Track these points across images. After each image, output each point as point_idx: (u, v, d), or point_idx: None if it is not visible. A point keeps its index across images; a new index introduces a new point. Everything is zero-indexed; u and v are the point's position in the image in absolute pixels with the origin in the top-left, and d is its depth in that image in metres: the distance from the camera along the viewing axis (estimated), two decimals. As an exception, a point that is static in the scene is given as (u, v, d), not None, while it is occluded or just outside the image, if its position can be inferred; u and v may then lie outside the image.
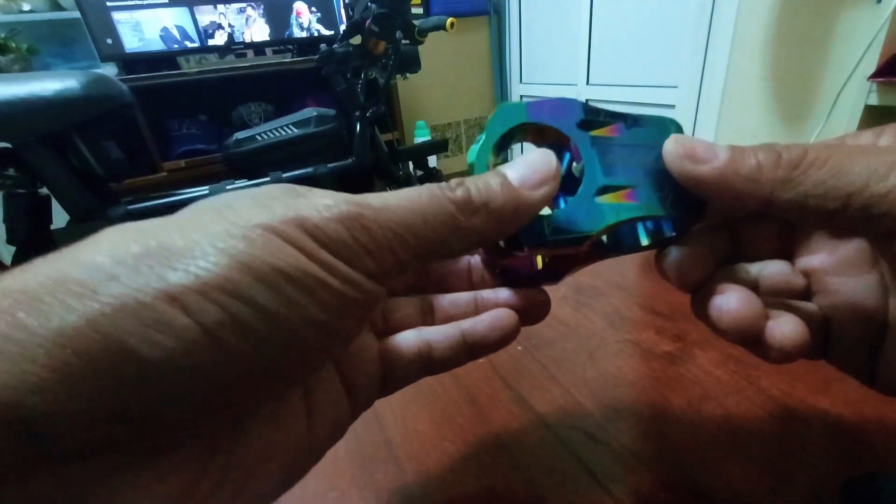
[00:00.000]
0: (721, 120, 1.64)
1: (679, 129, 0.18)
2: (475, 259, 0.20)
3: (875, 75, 0.93)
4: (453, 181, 0.15)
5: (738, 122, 1.59)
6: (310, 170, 1.06)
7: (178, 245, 0.11)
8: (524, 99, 2.80)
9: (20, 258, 0.91)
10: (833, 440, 0.23)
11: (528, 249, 0.18)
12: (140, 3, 1.59)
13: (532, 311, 0.19)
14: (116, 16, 1.57)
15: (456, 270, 0.20)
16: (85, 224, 0.93)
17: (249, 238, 0.11)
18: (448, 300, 0.19)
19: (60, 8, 1.76)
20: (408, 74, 1.22)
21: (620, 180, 0.18)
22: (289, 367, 0.12)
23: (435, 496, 0.23)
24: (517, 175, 0.15)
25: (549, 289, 0.19)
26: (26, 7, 1.71)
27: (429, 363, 0.18)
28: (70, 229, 0.95)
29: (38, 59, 1.75)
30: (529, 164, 0.16)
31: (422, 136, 2.49)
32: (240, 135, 1.09)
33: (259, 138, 1.08)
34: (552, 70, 2.50)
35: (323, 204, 0.13)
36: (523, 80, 2.77)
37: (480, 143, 0.19)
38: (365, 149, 1.09)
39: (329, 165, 1.07)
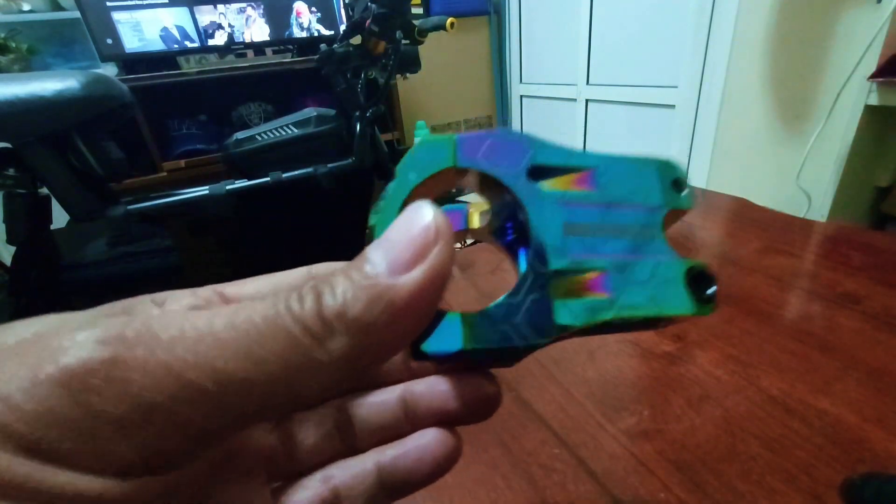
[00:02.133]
0: (721, 120, 1.64)
1: (674, 173, 0.14)
2: None
3: (875, 75, 0.93)
4: (306, 286, 0.10)
5: (738, 122, 1.59)
6: (310, 170, 1.06)
7: None
8: (524, 100, 2.80)
9: (20, 258, 0.91)
10: (833, 440, 0.23)
11: (435, 364, 0.13)
12: (140, 3, 1.59)
13: (478, 408, 0.14)
14: (116, 16, 1.57)
15: None
16: (85, 224, 0.93)
17: None
18: (370, 407, 0.14)
19: (60, 8, 1.76)
20: (408, 74, 1.22)
21: (585, 261, 0.12)
22: None
23: (435, 496, 0.23)
24: (381, 255, 0.10)
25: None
26: (26, 7, 1.71)
27: None
28: (70, 229, 0.95)
29: (38, 59, 1.75)
30: (396, 233, 0.10)
31: (422, 136, 2.49)
32: (240, 135, 1.09)
33: (259, 138, 1.08)
34: (552, 70, 2.50)
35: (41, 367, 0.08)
36: (523, 80, 2.77)
37: (386, 196, 0.12)
38: (365, 149, 1.09)
39: (329, 165, 1.07)
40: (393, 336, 0.10)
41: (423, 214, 0.11)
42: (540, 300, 0.12)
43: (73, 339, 0.09)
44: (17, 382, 0.08)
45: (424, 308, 0.10)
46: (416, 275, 0.10)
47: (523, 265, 0.13)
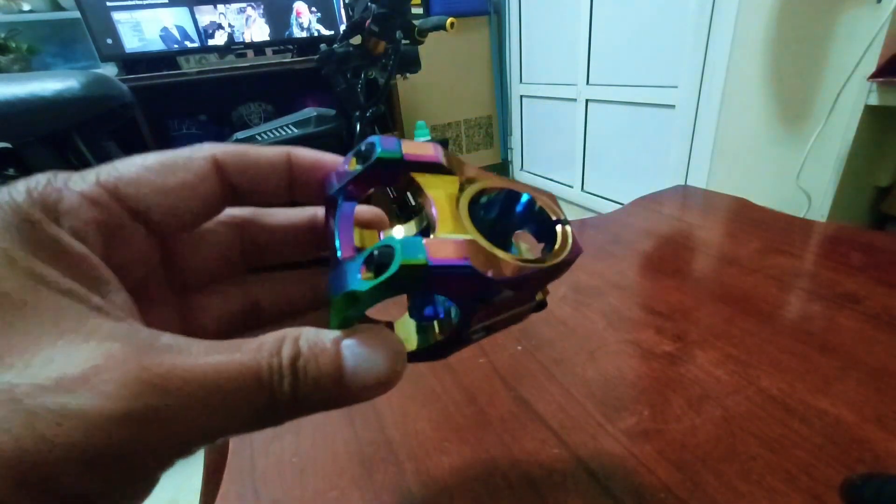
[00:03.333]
0: (721, 120, 1.64)
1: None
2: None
3: (875, 75, 0.93)
4: (282, 342, 0.11)
5: (738, 122, 1.59)
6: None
7: None
8: (524, 100, 2.80)
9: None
10: (833, 440, 0.23)
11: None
12: (140, 3, 1.59)
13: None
14: (116, 16, 1.57)
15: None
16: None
17: None
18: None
19: (60, 8, 1.76)
20: (408, 74, 1.22)
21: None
22: None
23: (435, 496, 0.23)
24: (351, 363, 0.12)
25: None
26: (26, 7, 1.71)
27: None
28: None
29: (38, 59, 1.75)
30: (370, 358, 0.12)
31: (422, 136, 2.49)
32: (240, 135, 1.09)
33: (259, 138, 1.08)
34: (552, 70, 2.50)
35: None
36: (523, 80, 2.77)
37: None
38: (365, 149, 1.09)
39: (329, 165, 1.07)
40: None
41: (398, 353, 0.13)
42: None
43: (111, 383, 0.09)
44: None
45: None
46: (368, 393, 0.12)
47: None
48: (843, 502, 0.20)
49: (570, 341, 0.33)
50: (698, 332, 0.33)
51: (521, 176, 3.06)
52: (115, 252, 0.13)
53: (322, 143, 1.10)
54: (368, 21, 0.98)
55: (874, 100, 0.95)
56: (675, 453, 0.23)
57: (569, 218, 0.17)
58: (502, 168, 3.08)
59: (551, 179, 2.76)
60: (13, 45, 1.64)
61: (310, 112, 1.11)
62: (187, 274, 0.16)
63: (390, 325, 0.16)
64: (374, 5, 0.97)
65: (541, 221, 0.17)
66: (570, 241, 0.16)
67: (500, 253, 0.14)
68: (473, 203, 0.16)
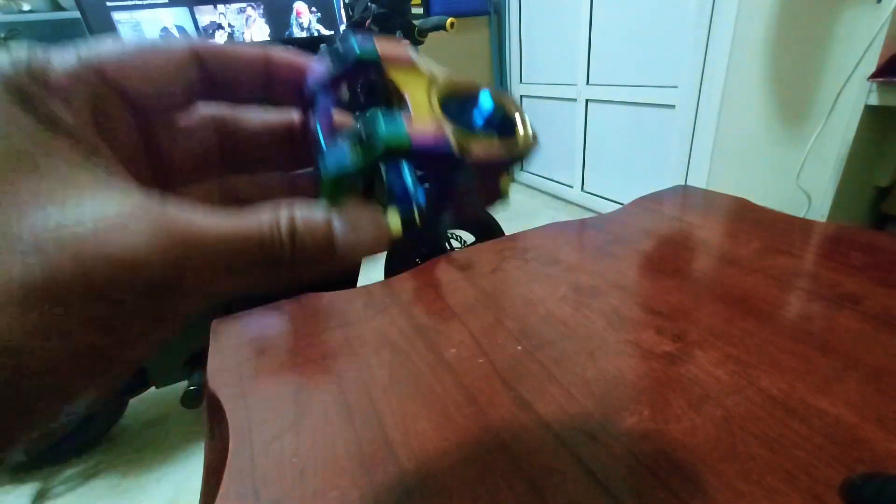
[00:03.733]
0: (721, 120, 1.64)
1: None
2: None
3: (875, 75, 0.93)
4: (278, 215, 0.13)
5: (738, 122, 1.59)
6: (310, 170, 1.06)
7: None
8: (524, 100, 2.80)
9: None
10: (833, 440, 0.23)
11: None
12: (140, 3, 1.59)
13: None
14: (116, 16, 1.57)
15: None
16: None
17: None
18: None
19: (60, 8, 1.76)
20: (408, 74, 1.22)
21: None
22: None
23: (435, 496, 0.23)
24: (341, 236, 0.13)
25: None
26: (26, 7, 1.72)
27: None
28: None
29: (38, 59, 1.75)
30: (357, 234, 0.13)
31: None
32: (240, 135, 1.09)
33: (259, 138, 1.08)
34: (552, 70, 2.50)
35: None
36: (523, 80, 2.77)
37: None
38: (365, 149, 1.09)
39: (329, 165, 1.07)
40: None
41: (381, 227, 0.14)
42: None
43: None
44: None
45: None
46: (356, 259, 0.14)
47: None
48: (843, 502, 0.20)
49: (570, 341, 0.33)
50: (698, 332, 0.33)
51: (521, 176, 3.06)
52: (103, 131, 0.13)
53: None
54: (368, 21, 0.98)
55: (874, 100, 0.95)
56: (675, 453, 0.23)
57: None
58: (502, 168, 3.08)
59: (551, 179, 2.76)
60: (13, 45, 1.64)
61: (310, 112, 1.11)
62: (169, 167, 0.16)
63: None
64: (374, 5, 0.97)
65: (502, 116, 0.19)
66: (530, 131, 0.18)
67: (470, 137, 0.15)
68: (442, 99, 0.17)
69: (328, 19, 1.88)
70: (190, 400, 1.12)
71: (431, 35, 1.07)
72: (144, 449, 1.22)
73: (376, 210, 0.14)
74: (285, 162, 0.19)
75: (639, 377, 0.29)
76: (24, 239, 0.09)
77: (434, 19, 1.04)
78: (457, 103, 0.18)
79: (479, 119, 0.19)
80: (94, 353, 0.10)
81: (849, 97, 1.01)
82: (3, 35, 1.62)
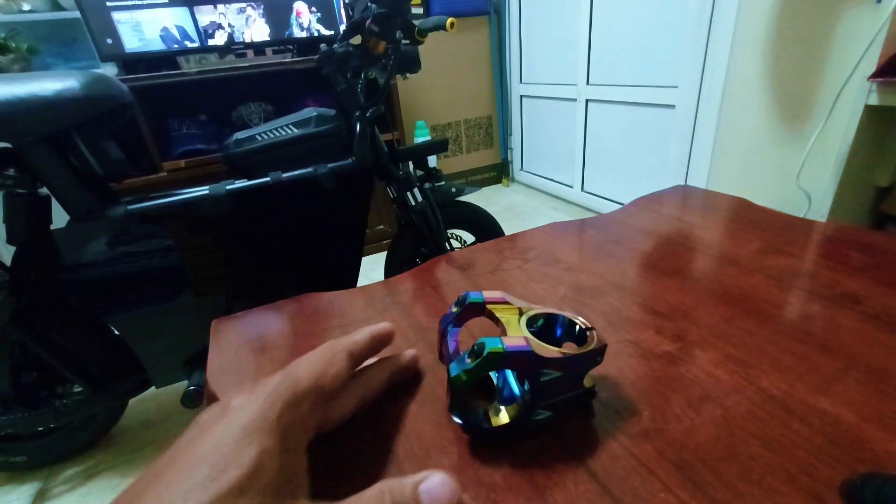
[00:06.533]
0: (721, 120, 1.64)
1: None
2: None
3: (875, 75, 0.93)
4: (381, 497, 0.17)
5: (738, 121, 1.59)
6: (310, 170, 1.06)
7: None
8: (524, 100, 2.80)
9: (20, 258, 0.91)
10: (833, 440, 0.23)
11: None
12: (140, 3, 1.59)
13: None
14: (116, 16, 1.57)
15: None
16: (85, 224, 0.93)
17: None
18: None
19: (60, 8, 1.76)
20: (408, 74, 1.22)
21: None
22: None
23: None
24: (427, 498, 0.18)
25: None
26: (26, 7, 1.72)
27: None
28: (70, 229, 0.95)
29: (38, 59, 1.75)
30: (437, 491, 0.18)
31: (422, 136, 2.49)
32: (240, 135, 1.09)
33: (259, 138, 1.08)
34: (552, 70, 2.50)
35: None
36: (523, 80, 2.77)
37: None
38: (365, 149, 1.09)
39: (329, 165, 1.07)
40: None
41: (454, 488, 0.18)
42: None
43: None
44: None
45: None
46: None
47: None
48: (843, 502, 0.20)
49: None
50: (698, 332, 0.33)
51: (520, 176, 3.06)
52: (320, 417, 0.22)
53: (322, 142, 1.10)
54: (368, 21, 0.98)
55: (874, 100, 0.95)
56: (675, 453, 0.23)
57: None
58: (502, 168, 3.08)
59: (551, 179, 2.76)
60: (13, 45, 1.64)
61: (310, 112, 1.11)
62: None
63: (486, 415, 0.24)
64: (374, 5, 0.97)
65: (575, 330, 0.27)
66: (595, 338, 0.25)
67: (548, 346, 0.23)
68: (529, 322, 0.26)
69: (328, 19, 1.88)
70: (190, 400, 1.12)
71: (431, 35, 1.07)
72: (144, 449, 1.22)
73: (450, 478, 0.19)
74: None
75: (639, 377, 0.29)
76: None
77: (434, 19, 1.04)
78: (542, 320, 0.27)
79: (559, 332, 0.27)
80: None
81: (849, 97, 1.01)
82: (3, 35, 1.62)
